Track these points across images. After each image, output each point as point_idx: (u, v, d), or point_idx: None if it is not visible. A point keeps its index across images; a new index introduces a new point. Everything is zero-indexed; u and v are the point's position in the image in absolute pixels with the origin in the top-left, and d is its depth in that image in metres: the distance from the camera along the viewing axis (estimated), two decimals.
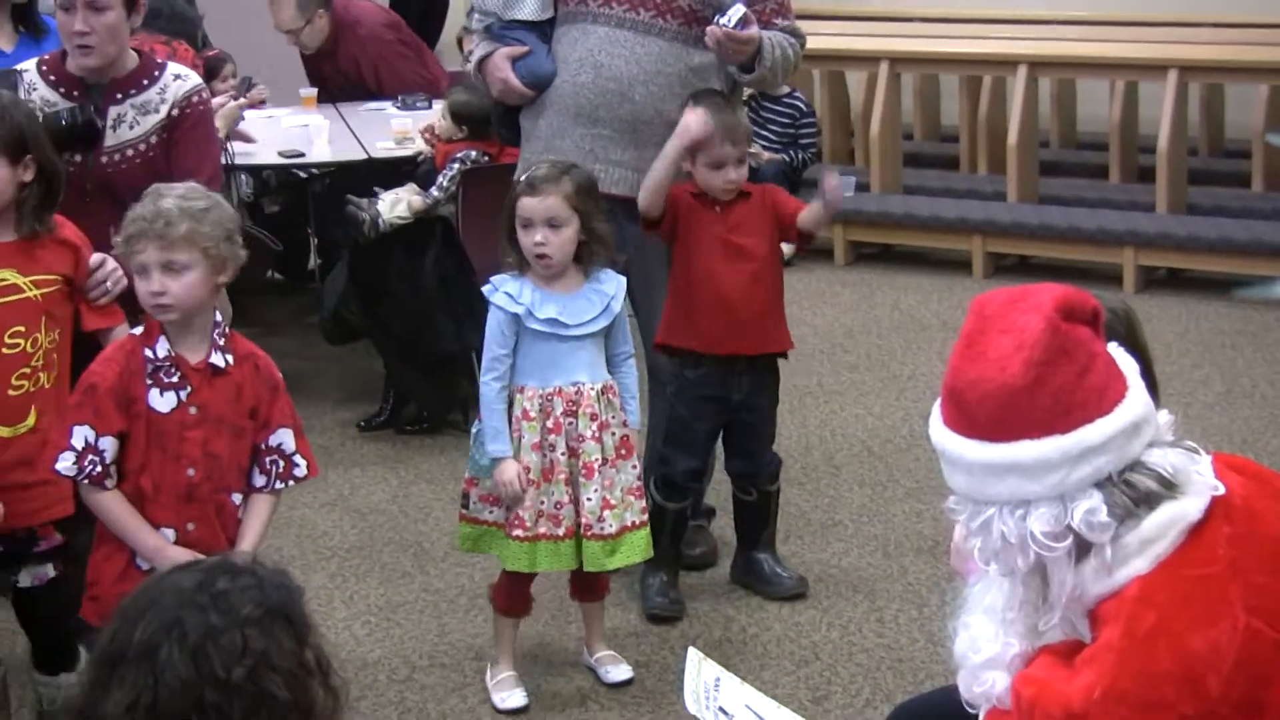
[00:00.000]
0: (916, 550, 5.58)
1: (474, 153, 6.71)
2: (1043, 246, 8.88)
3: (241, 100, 7.65)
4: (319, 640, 2.22)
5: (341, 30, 8.33)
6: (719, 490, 5.57)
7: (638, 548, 4.68)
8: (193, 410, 3.83)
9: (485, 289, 4.63)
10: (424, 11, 9.74)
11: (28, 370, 4.07)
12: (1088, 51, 9.43)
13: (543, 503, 4.58)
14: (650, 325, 5.31)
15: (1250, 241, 8.32)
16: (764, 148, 8.55)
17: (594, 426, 4.58)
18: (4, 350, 4.03)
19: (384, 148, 7.42)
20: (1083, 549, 2.44)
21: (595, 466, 4.58)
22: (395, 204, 6.60)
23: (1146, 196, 8.92)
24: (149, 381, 3.82)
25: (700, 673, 3.23)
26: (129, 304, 4.08)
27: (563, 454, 4.58)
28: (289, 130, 7.88)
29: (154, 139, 4.62)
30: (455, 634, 5.14)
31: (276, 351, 7.95)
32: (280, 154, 7.46)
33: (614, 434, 4.63)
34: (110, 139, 4.59)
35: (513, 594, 4.73)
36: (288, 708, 2.14)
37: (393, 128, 7.61)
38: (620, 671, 4.82)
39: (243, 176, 7.95)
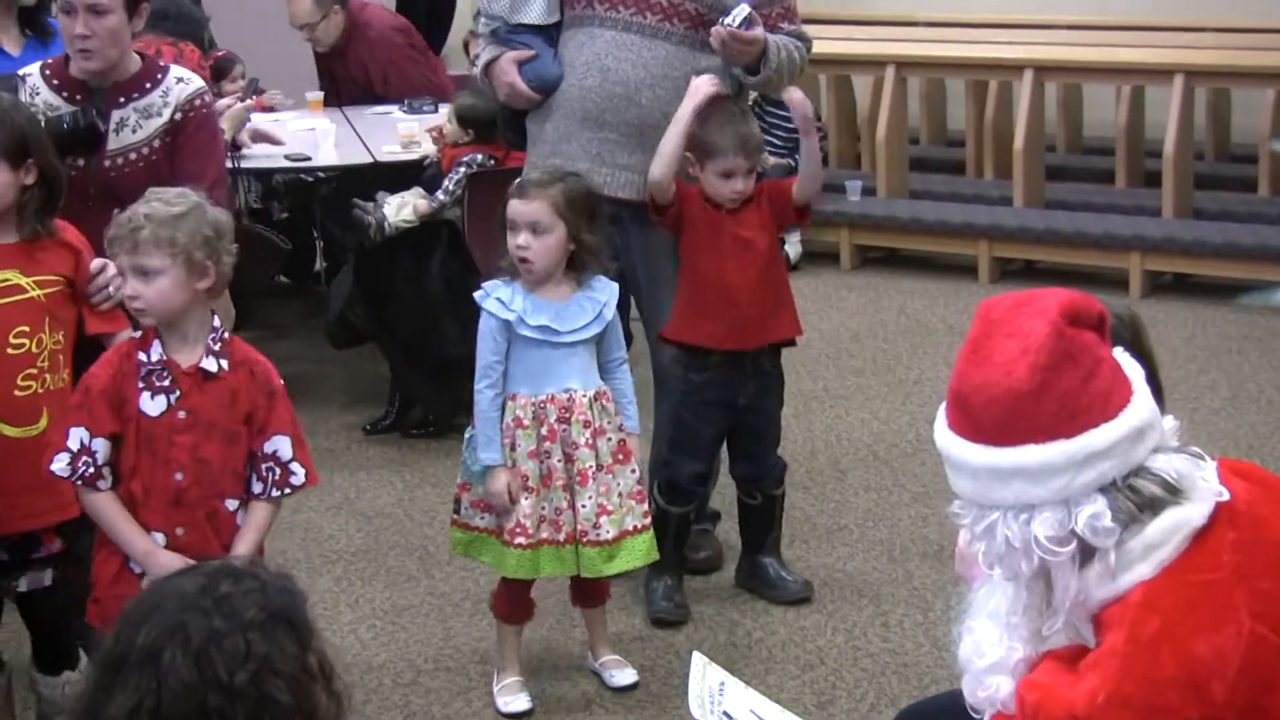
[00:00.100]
0: (922, 555, 5.58)
1: (480, 156, 6.71)
2: (1049, 251, 8.88)
3: (248, 102, 7.66)
4: (322, 645, 2.22)
5: (354, 31, 8.37)
6: (724, 494, 5.57)
7: (638, 552, 4.67)
8: (181, 414, 3.82)
9: (477, 294, 4.63)
10: (430, 15, 9.74)
11: (34, 371, 4.08)
12: (1094, 56, 9.43)
13: (543, 509, 4.58)
14: (657, 327, 5.31)
15: (1256, 246, 8.32)
16: (769, 152, 8.55)
17: (588, 433, 4.58)
18: (9, 351, 4.03)
19: (390, 151, 7.43)
20: (1087, 554, 2.43)
21: (590, 473, 4.57)
22: (401, 208, 6.61)
23: (1152, 201, 8.92)
24: (141, 385, 3.82)
25: (705, 677, 3.23)
26: None
27: (559, 460, 4.57)
28: (295, 134, 7.89)
29: (157, 143, 4.62)
30: (460, 638, 5.14)
31: (282, 355, 7.99)
32: (287, 157, 7.46)
33: (609, 439, 4.63)
34: (113, 143, 4.59)
35: (512, 601, 4.73)
36: (290, 712, 2.14)
37: (399, 131, 7.61)
38: (625, 675, 4.82)
39: (251, 181, 7.96)
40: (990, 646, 2.57)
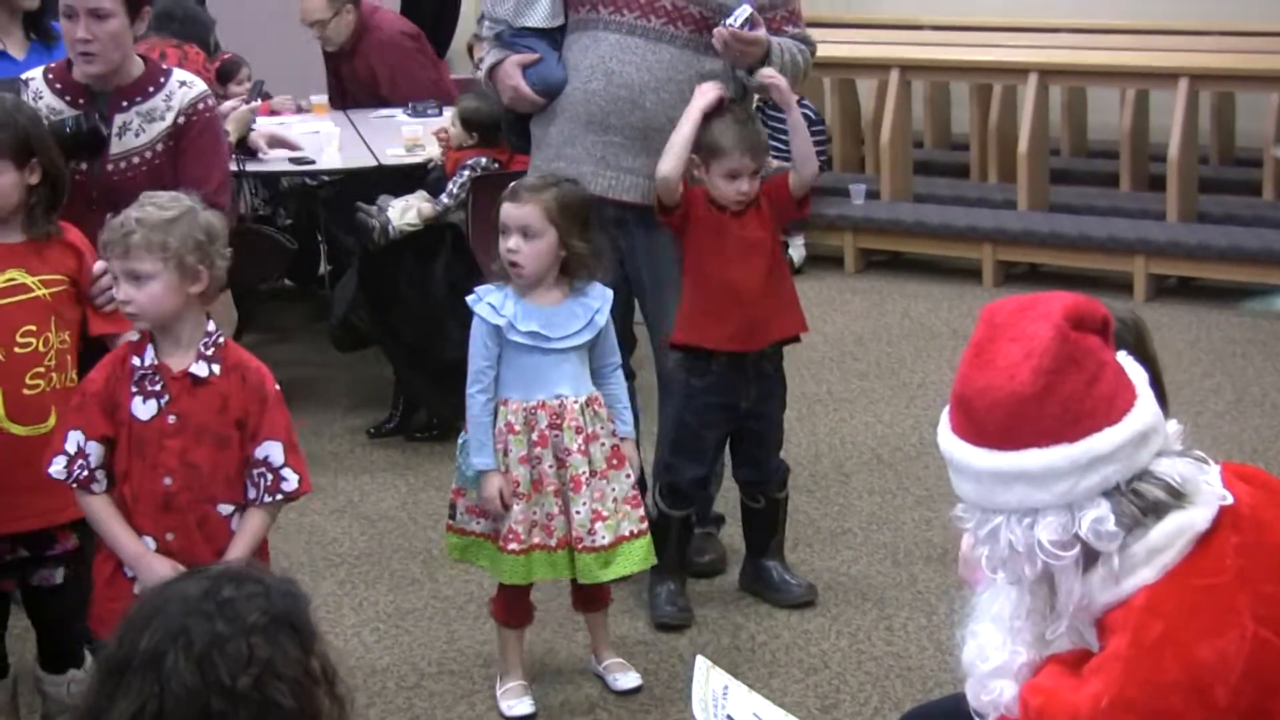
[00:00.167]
0: (926, 558, 5.58)
1: (484, 160, 6.71)
2: (1053, 255, 8.89)
3: (254, 104, 7.66)
4: (325, 648, 2.22)
5: (364, 33, 8.39)
6: (728, 497, 5.56)
7: (635, 557, 4.66)
8: (171, 419, 3.83)
9: (469, 298, 4.63)
10: (436, 18, 9.75)
11: (42, 370, 4.10)
12: (1098, 60, 9.43)
13: (534, 514, 4.57)
14: (662, 331, 5.31)
15: (1261, 250, 8.32)
16: (773, 155, 8.54)
17: (580, 439, 4.57)
18: (16, 350, 4.06)
19: (394, 155, 7.43)
20: (1090, 558, 2.43)
21: (583, 479, 4.57)
22: (405, 211, 6.61)
23: (1157, 205, 8.92)
24: (134, 389, 3.84)
25: (708, 681, 3.23)
26: None
27: (550, 466, 4.56)
28: (300, 137, 7.89)
29: (160, 146, 4.62)
30: (464, 641, 5.14)
31: (286, 358, 8.01)
32: (291, 160, 7.46)
33: (603, 445, 4.62)
34: (116, 147, 4.60)
35: (510, 605, 4.72)
36: (293, 716, 2.14)
37: (403, 134, 7.61)
38: (629, 679, 4.82)
39: (257, 186, 7.96)
40: (994, 650, 2.57)
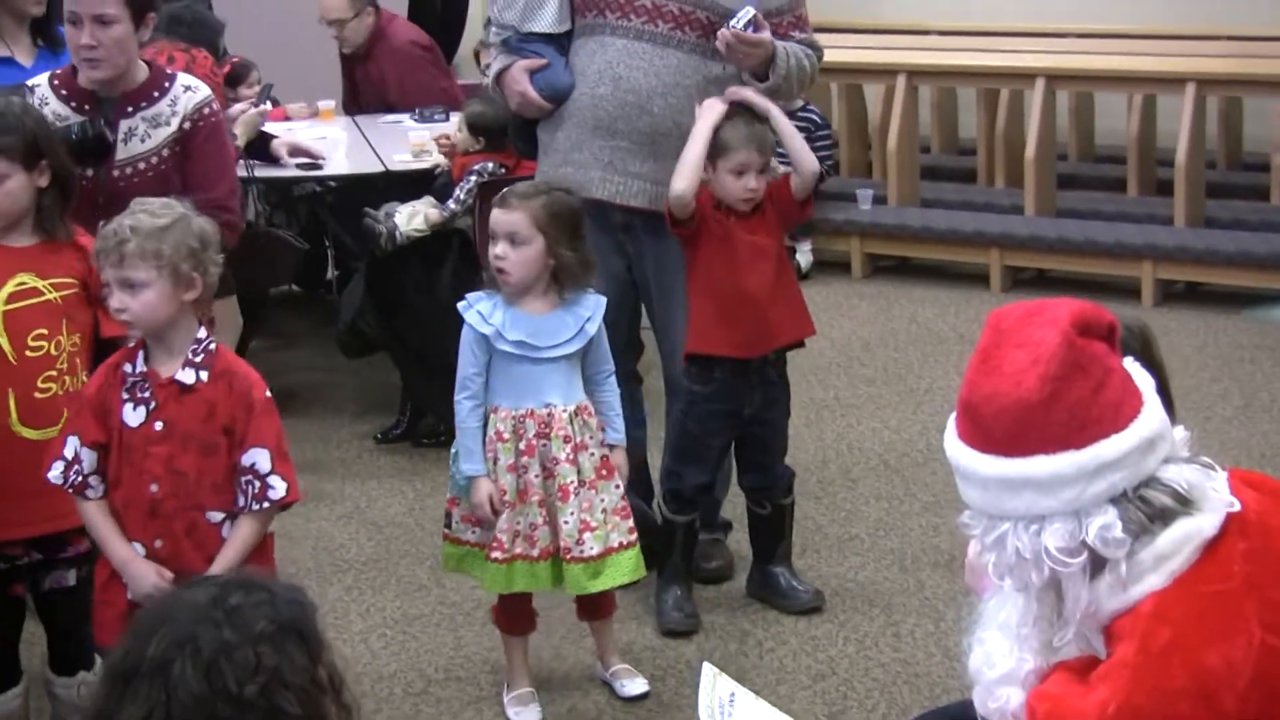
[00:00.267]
0: (933, 564, 5.57)
1: (491, 165, 6.71)
2: (1060, 260, 8.88)
3: (262, 107, 7.68)
4: (332, 656, 2.22)
5: (379, 38, 8.45)
6: (735, 504, 5.56)
7: (624, 569, 4.64)
8: (158, 426, 3.83)
9: (460, 305, 4.63)
10: (443, 24, 9.77)
11: (54, 373, 4.12)
12: (1106, 65, 9.42)
13: (518, 524, 4.56)
14: (669, 337, 5.30)
15: (1268, 255, 8.30)
16: (780, 161, 8.55)
17: (568, 449, 4.56)
18: (28, 353, 4.07)
19: (401, 160, 7.43)
20: (1098, 565, 2.43)
21: (571, 489, 4.55)
22: (412, 217, 6.61)
23: (1164, 210, 8.91)
24: (125, 395, 3.85)
25: (715, 688, 3.22)
26: None
27: (536, 476, 4.55)
28: (311, 144, 7.90)
29: (165, 152, 4.63)
30: (471, 647, 5.14)
31: (294, 364, 8.02)
32: (299, 166, 7.47)
33: (592, 455, 4.60)
34: (121, 152, 4.60)
35: (511, 613, 4.73)
36: None
37: (410, 140, 7.62)
38: (636, 685, 4.81)
39: (262, 191, 7.97)
40: (1001, 658, 2.57)
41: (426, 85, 8.48)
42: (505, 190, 4.67)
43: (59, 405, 4.10)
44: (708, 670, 3.30)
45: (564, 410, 4.57)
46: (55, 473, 3.87)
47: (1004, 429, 2.42)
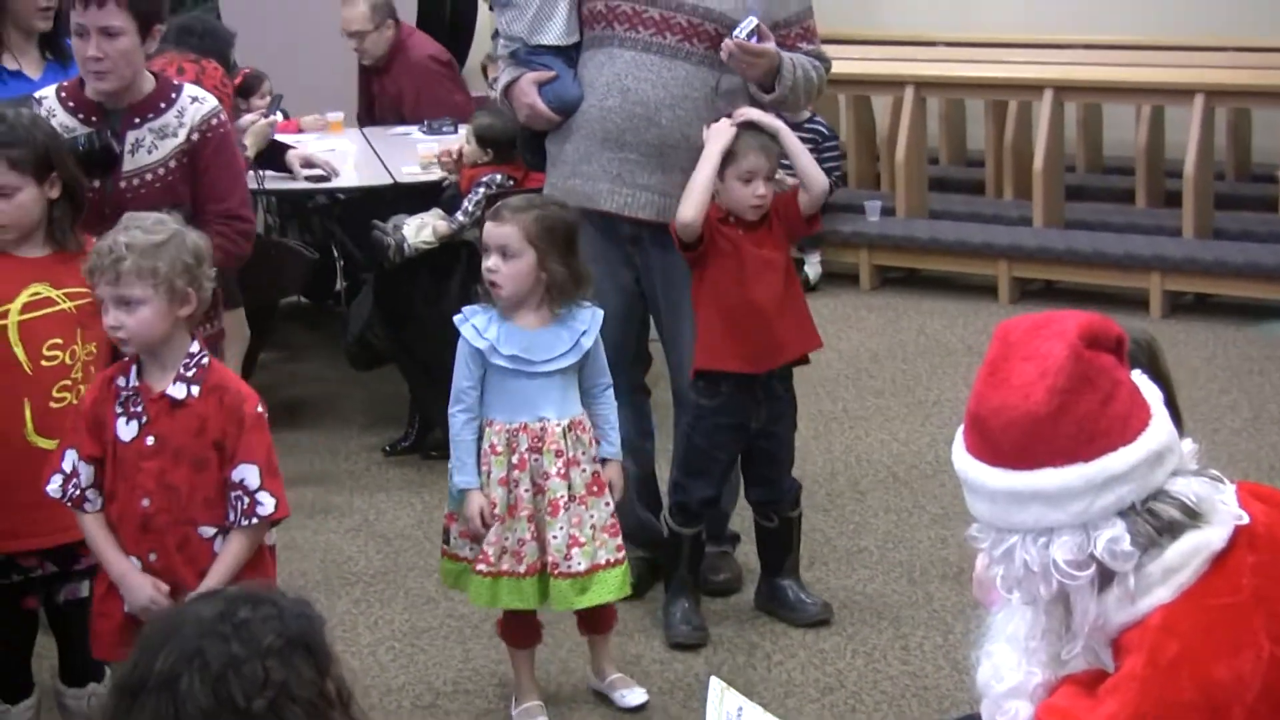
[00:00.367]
0: (941, 576, 5.57)
1: (499, 177, 6.72)
2: (1069, 271, 8.88)
3: (272, 118, 7.69)
4: (340, 670, 2.22)
5: (398, 52, 8.52)
6: (743, 516, 5.56)
7: (610, 586, 4.63)
8: (150, 440, 3.84)
9: (456, 318, 4.63)
10: (451, 38, 9.80)
11: (68, 383, 4.13)
12: (1114, 76, 9.42)
13: (507, 539, 4.55)
14: (677, 349, 5.30)
15: (1277, 266, 8.30)
16: (787, 174, 8.54)
17: (560, 463, 4.55)
18: (43, 363, 4.09)
19: (409, 172, 7.44)
20: (1105, 578, 2.43)
21: (561, 504, 4.55)
22: (420, 229, 6.61)
23: (1173, 221, 8.90)
24: (118, 409, 3.86)
25: (723, 701, 3.22)
26: None
27: (526, 490, 4.55)
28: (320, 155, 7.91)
29: (173, 163, 4.63)
30: (479, 660, 5.13)
31: (302, 376, 8.03)
32: (307, 179, 7.48)
33: (584, 471, 4.60)
34: (128, 163, 4.61)
35: (517, 627, 4.73)
36: None
37: (419, 152, 7.63)
38: (635, 695, 4.81)
39: (269, 202, 7.98)
40: (1009, 671, 2.56)
41: (442, 100, 8.52)
42: (499, 203, 4.69)
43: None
44: (715, 684, 3.30)
45: (557, 424, 4.57)
46: (54, 486, 3.89)
47: (1012, 442, 2.42)
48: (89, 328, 4.15)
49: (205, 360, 3.90)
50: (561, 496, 4.54)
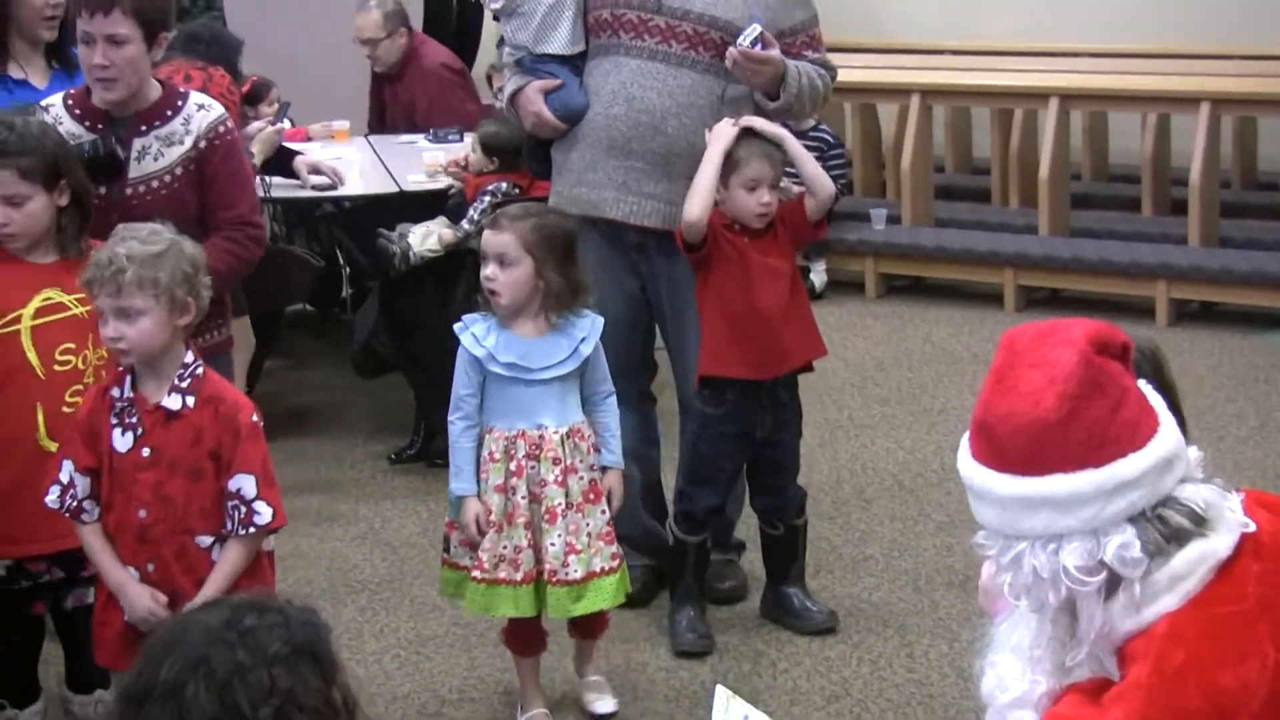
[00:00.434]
0: (947, 584, 5.56)
1: (505, 185, 6.72)
2: (1075, 280, 8.88)
3: (280, 126, 7.71)
4: (346, 678, 2.22)
5: (411, 60, 8.55)
6: (748, 524, 5.56)
7: (606, 594, 4.63)
8: (145, 452, 3.86)
9: (456, 326, 4.64)
10: (457, 47, 9.80)
11: (81, 388, 4.16)
12: (1120, 84, 9.42)
13: (504, 547, 4.55)
14: (683, 357, 5.30)
15: None
16: (794, 183, 8.54)
17: (557, 470, 4.55)
18: (56, 368, 4.12)
19: (415, 180, 7.45)
20: (1112, 585, 2.42)
21: (558, 511, 4.55)
22: (426, 237, 6.62)
23: (1179, 229, 8.90)
24: (114, 420, 3.88)
25: (728, 710, 3.22)
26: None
27: (523, 498, 4.55)
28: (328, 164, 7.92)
29: (179, 170, 4.64)
30: (485, 668, 5.13)
31: (307, 384, 8.03)
32: (314, 187, 7.48)
33: (581, 479, 4.60)
34: (134, 171, 4.62)
35: (520, 633, 4.73)
36: None
37: (424, 161, 7.63)
38: (605, 704, 4.83)
39: (275, 209, 7.98)
40: (1013, 681, 2.56)
41: (455, 108, 8.53)
42: (497, 212, 4.71)
43: None
44: (721, 692, 3.30)
45: (555, 432, 4.57)
46: (52, 497, 3.92)
47: (1020, 448, 2.42)
48: (99, 333, 4.17)
49: (199, 370, 3.91)
50: (559, 504, 4.55)
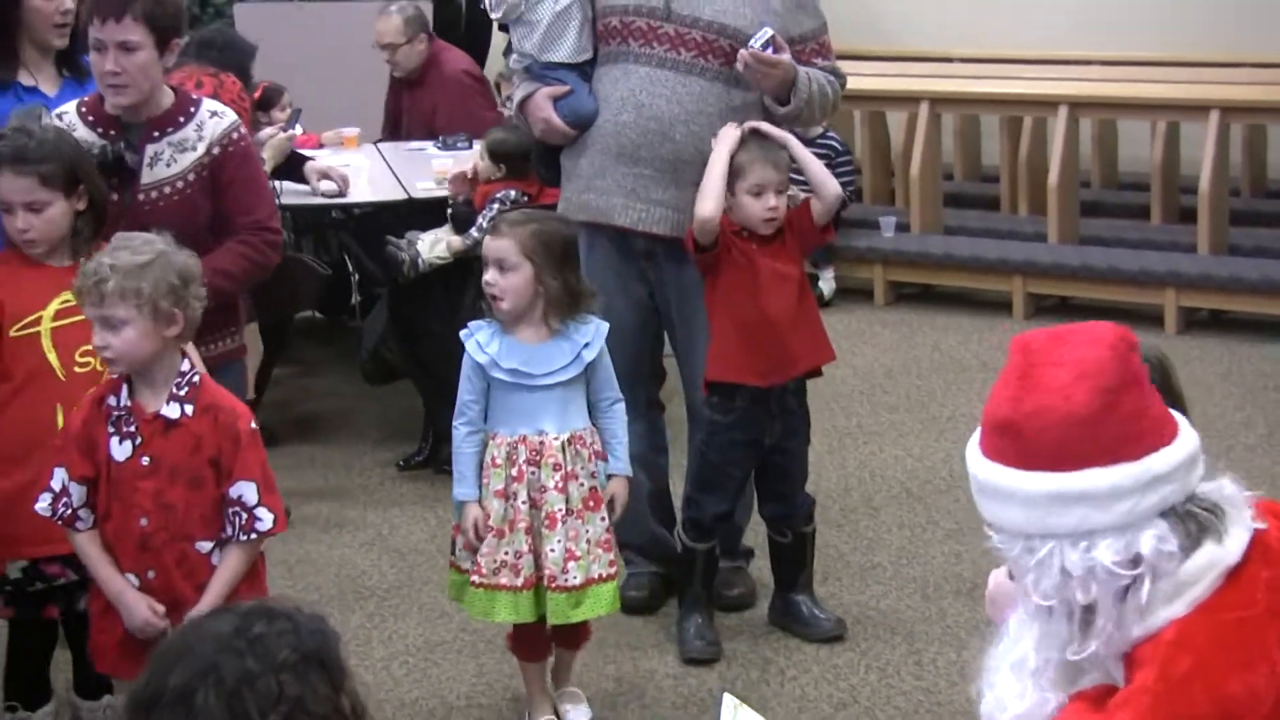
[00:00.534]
0: (955, 592, 5.56)
1: (513, 193, 6.72)
2: (1084, 287, 8.87)
3: (291, 132, 7.71)
4: (355, 686, 2.22)
5: (432, 66, 8.58)
6: (756, 531, 5.56)
7: (603, 601, 4.63)
8: (145, 460, 3.87)
9: (462, 332, 4.66)
10: (468, 52, 9.82)
11: None
12: (1129, 92, 9.42)
13: (505, 552, 4.56)
14: (691, 364, 5.30)
15: None
16: (801, 190, 8.54)
17: (558, 476, 4.56)
18: (76, 369, 4.14)
19: (424, 188, 7.45)
20: (1122, 590, 2.41)
21: (558, 517, 4.55)
22: (435, 244, 6.63)
23: (1188, 237, 8.90)
24: (111, 429, 3.89)
25: (735, 718, 3.22)
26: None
27: (524, 503, 4.56)
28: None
29: (191, 176, 4.65)
30: (493, 674, 5.14)
31: (316, 390, 8.03)
32: (322, 194, 7.49)
33: (581, 485, 4.60)
34: (147, 177, 4.62)
35: (524, 639, 4.73)
36: None
37: (433, 168, 7.64)
38: (580, 714, 4.83)
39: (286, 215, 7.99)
40: (1013, 700, 2.54)
41: (475, 114, 8.54)
42: (499, 217, 4.72)
43: None
44: (728, 700, 3.30)
45: (556, 438, 4.58)
46: (43, 504, 3.92)
47: (1053, 444, 2.40)
48: None
49: (197, 378, 3.93)
50: (559, 510, 4.55)
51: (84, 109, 4.70)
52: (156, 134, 4.65)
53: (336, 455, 7.14)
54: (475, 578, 4.57)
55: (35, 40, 5.15)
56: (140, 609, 3.87)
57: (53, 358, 4.21)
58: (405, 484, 6.82)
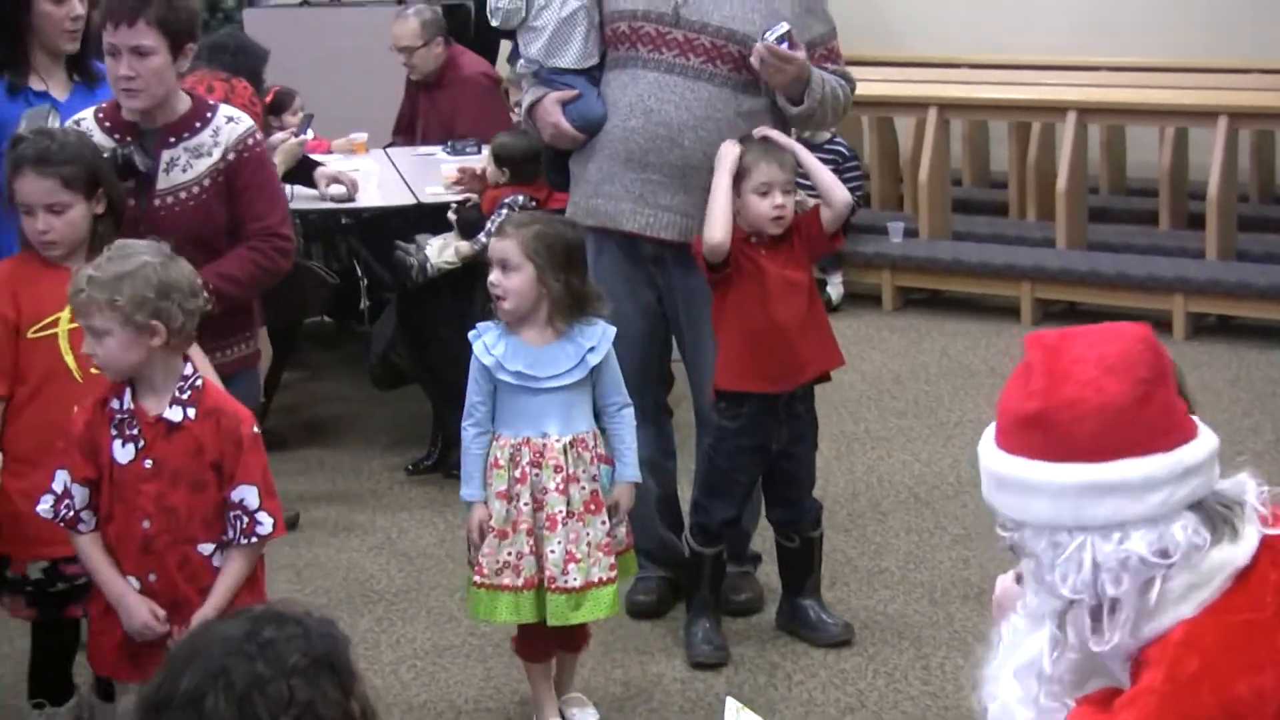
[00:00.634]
0: (963, 597, 5.56)
1: (522, 197, 6.72)
2: (1092, 293, 8.87)
3: (303, 137, 7.72)
4: (365, 690, 2.22)
5: (449, 68, 8.61)
6: (764, 536, 5.56)
7: (603, 604, 4.64)
8: (147, 463, 3.88)
9: (470, 334, 4.68)
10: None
11: None
12: (1137, 98, 9.42)
13: (507, 553, 4.57)
14: (699, 369, 5.30)
15: None
16: (809, 195, 8.54)
17: (559, 478, 4.57)
18: (93, 370, 4.15)
19: (433, 192, 7.46)
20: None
21: (559, 519, 4.56)
22: (443, 249, 6.64)
23: (1196, 243, 8.90)
24: (113, 432, 3.90)
25: None
26: (208, 329, 4.17)
27: (526, 504, 4.57)
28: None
29: (207, 181, 4.66)
30: (501, 678, 5.14)
31: (325, 395, 8.04)
32: (331, 199, 7.50)
33: (582, 488, 4.61)
34: (163, 182, 4.64)
35: (529, 640, 4.74)
36: None
37: (441, 173, 7.65)
38: (586, 717, 4.83)
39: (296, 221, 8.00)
40: (1019, 708, 2.54)
41: (495, 116, 8.54)
42: (503, 219, 4.73)
43: None
44: (731, 705, 3.30)
45: (558, 441, 4.59)
46: (45, 506, 3.93)
47: (1089, 434, 2.38)
48: None
49: (199, 382, 3.94)
50: (560, 512, 4.56)
51: (101, 115, 4.72)
52: (173, 139, 4.66)
53: (345, 459, 7.15)
54: (478, 578, 4.59)
55: (46, 45, 5.16)
56: (140, 612, 3.88)
57: (70, 360, 4.23)
58: (414, 488, 6.83)
